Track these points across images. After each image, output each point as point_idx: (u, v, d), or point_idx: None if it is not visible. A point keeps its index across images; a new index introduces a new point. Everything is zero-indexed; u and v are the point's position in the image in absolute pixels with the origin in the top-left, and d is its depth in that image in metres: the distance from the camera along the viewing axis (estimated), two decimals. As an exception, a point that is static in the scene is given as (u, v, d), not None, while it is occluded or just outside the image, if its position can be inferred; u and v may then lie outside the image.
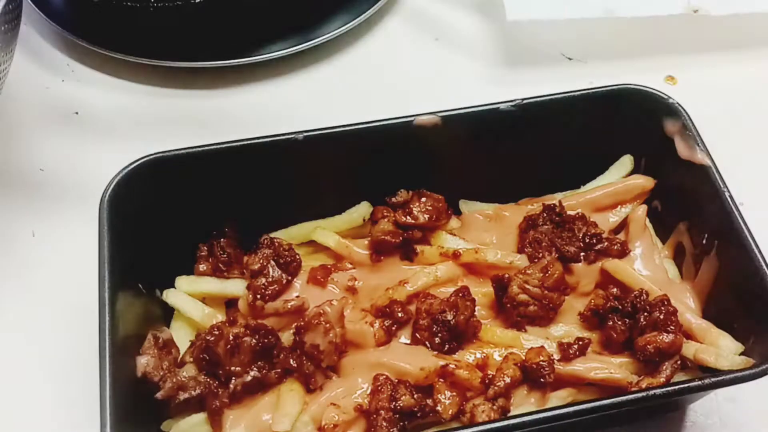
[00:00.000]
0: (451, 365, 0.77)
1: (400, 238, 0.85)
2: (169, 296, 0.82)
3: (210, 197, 0.84)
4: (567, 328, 0.83)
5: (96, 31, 1.11)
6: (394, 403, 0.74)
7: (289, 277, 0.83)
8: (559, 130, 0.89)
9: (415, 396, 0.75)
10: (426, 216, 0.86)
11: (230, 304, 0.84)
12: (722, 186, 0.82)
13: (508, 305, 0.82)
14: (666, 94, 0.88)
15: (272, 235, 0.87)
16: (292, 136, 0.84)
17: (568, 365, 0.78)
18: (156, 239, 0.81)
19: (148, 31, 1.12)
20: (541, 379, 0.76)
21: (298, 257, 0.84)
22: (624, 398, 0.70)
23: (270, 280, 0.82)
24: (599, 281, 0.86)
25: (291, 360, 0.77)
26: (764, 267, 0.76)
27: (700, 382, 0.71)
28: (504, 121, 0.87)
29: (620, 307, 0.81)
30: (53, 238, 0.95)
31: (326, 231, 0.87)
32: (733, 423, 0.84)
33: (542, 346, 0.79)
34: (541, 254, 0.84)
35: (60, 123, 1.07)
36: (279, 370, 0.77)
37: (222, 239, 0.85)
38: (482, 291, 0.84)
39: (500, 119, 0.87)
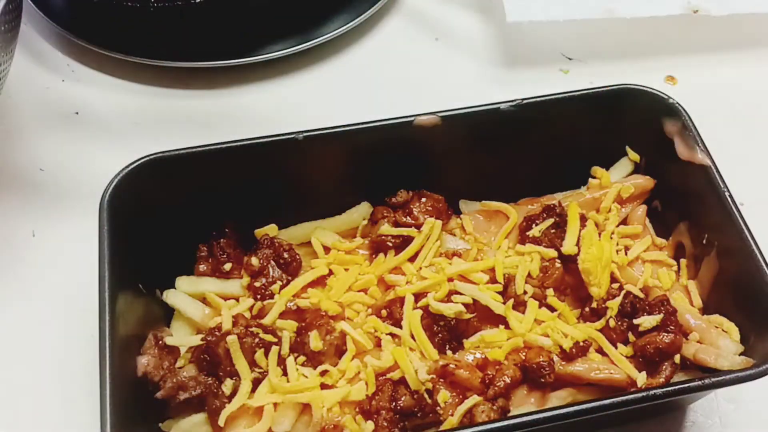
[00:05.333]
0: (451, 365, 0.77)
1: (400, 238, 0.85)
2: (170, 296, 0.82)
3: (210, 197, 0.84)
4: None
5: (96, 31, 1.11)
6: (394, 403, 0.74)
7: (289, 277, 0.83)
8: (560, 130, 0.89)
9: (415, 396, 0.75)
10: (426, 216, 0.86)
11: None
12: (722, 186, 0.82)
13: (508, 305, 0.82)
14: (666, 94, 0.88)
15: (272, 235, 0.87)
16: (292, 136, 0.84)
17: (568, 365, 0.78)
18: (156, 239, 0.81)
19: (148, 31, 1.11)
20: (541, 379, 0.76)
21: (298, 257, 0.84)
22: (624, 398, 0.70)
23: (270, 280, 0.82)
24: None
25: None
26: (764, 267, 0.76)
27: (700, 382, 0.71)
28: (504, 121, 0.87)
29: (620, 307, 0.81)
30: (53, 238, 0.95)
31: (326, 231, 0.87)
32: (733, 423, 0.84)
33: (542, 346, 0.79)
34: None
35: (60, 123, 1.07)
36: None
37: (222, 239, 0.85)
38: (482, 291, 0.84)
39: (500, 119, 0.87)
